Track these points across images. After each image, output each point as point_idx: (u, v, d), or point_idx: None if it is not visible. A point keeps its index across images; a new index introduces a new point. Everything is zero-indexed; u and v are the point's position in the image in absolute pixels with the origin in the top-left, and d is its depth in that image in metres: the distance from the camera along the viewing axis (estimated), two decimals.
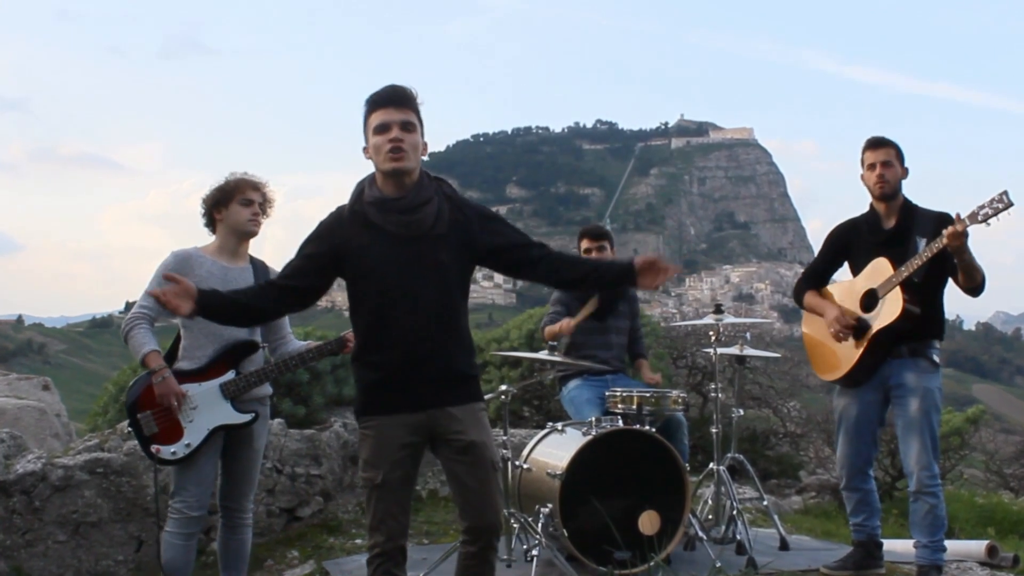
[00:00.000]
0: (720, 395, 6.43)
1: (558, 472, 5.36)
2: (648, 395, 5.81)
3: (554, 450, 5.68)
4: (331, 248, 3.71)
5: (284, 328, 4.98)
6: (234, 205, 4.74)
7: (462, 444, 3.69)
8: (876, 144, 5.27)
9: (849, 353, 5.26)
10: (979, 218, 4.73)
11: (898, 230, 5.21)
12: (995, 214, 4.68)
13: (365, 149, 3.76)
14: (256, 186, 4.80)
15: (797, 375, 12.33)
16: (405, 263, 3.66)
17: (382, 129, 3.65)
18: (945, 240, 4.79)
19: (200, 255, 4.73)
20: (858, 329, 5.20)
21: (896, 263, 5.08)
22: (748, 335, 6.80)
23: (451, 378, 3.73)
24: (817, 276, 5.58)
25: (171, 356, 4.72)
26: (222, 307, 3.74)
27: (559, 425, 5.95)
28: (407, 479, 3.72)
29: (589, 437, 5.42)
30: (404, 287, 3.65)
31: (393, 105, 3.68)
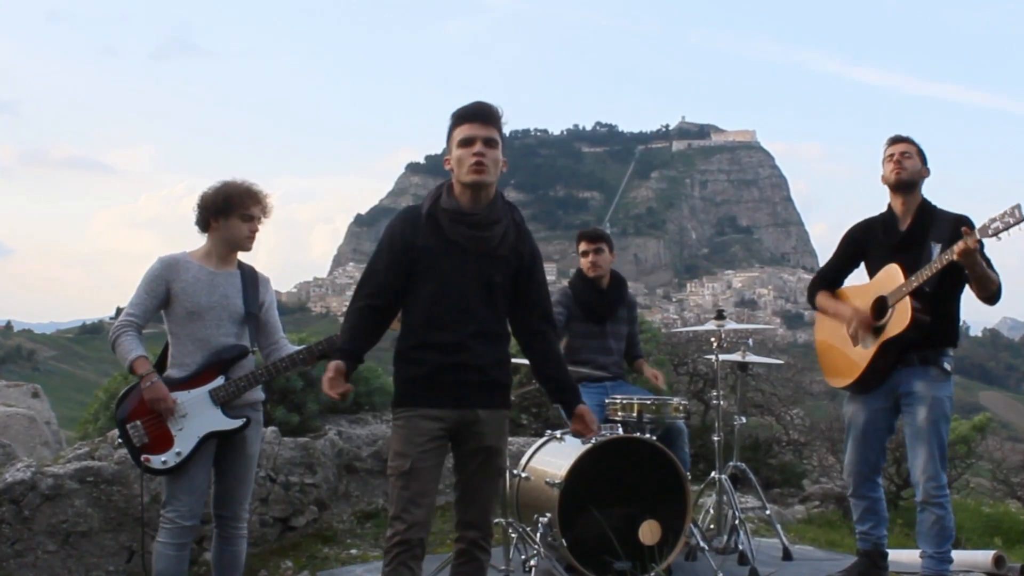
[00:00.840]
0: (722, 402, 6.44)
1: (557, 481, 5.36)
2: (649, 403, 5.83)
3: (553, 458, 5.68)
4: (404, 249, 3.97)
5: (276, 333, 4.95)
6: (234, 219, 4.71)
7: (480, 446, 3.97)
8: (896, 139, 5.30)
9: (859, 359, 5.26)
10: (990, 232, 4.68)
11: (912, 232, 5.20)
12: (1006, 228, 4.64)
13: (446, 160, 4.03)
14: (260, 200, 4.77)
15: (800, 382, 12.32)
16: (462, 275, 3.94)
17: (466, 143, 3.91)
18: (956, 256, 4.78)
19: (187, 260, 4.72)
20: (876, 330, 5.19)
21: (907, 269, 5.06)
22: (750, 341, 6.79)
23: (485, 383, 3.97)
24: (831, 277, 5.57)
25: (160, 365, 4.72)
26: (364, 351, 4.04)
27: (558, 433, 5.95)
28: (434, 471, 3.91)
29: (588, 445, 5.41)
30: (457, 297, 3.93)
31: (479, 121, 3.93)
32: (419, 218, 3.99)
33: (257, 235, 4.80)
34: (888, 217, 5.33)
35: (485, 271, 3.95)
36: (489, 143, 3.90)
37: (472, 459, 3.99)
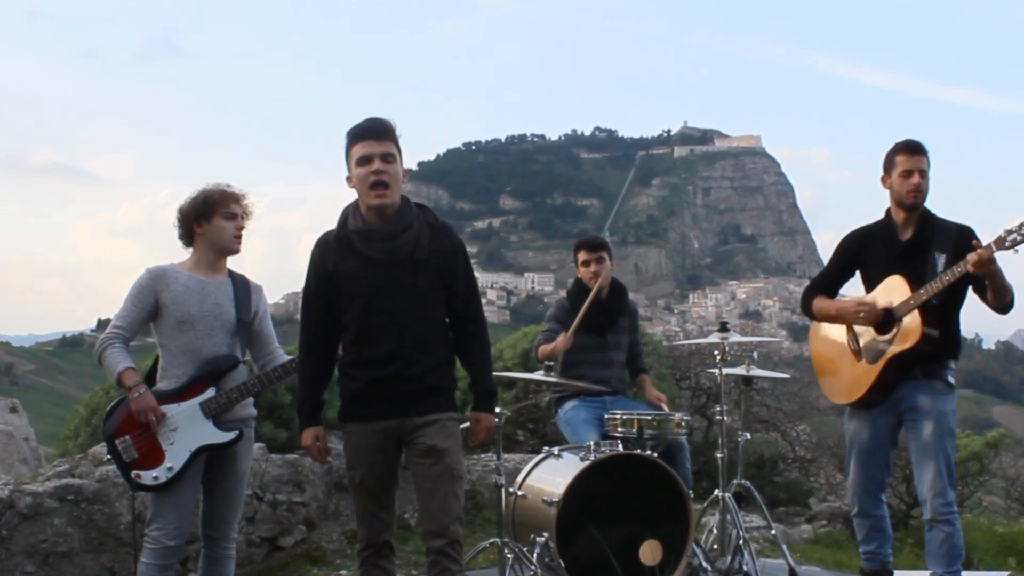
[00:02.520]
0: (726, 418, 6.43)
1: (554, 499, 5.36)
2: (650, 418, 5.83)
3: (550, 476, 5.69)
4: (325, 275, 4.24)
5: (271, 343, 4.97)
6: (217, 219, 4.74)
7: (423, 448, 4.16)
8: (914, 149, 5.20)
9: (865, 374, 5.26)
10: (1007, 244, 4.68)
11: (915, 243, 5.19)
12: (1023, 240, 4.66)
13: (348, 179, 4.22)
14: (239, 199, 4.81)
15: (807, 397, 12.31)
16: (385, 286, 4.16)
17: (364, 161, 4.12)
18: (971, 268, 4.78)
19: (176, 270, 4.75)
20: (884, 324, 5.18)
21: (912, 280, 5.07)
22: (755, 354, 6.82)
23: (420, 391, 4.19)
24: (826, 287, 5.52)
25: (150, 379, 4.73)
26: (320, 394, 4.39)
27: (555, 449, 5.95)
28: (385, 480, 4.25)
29: (587, 462, 5.42)
30: (383, 308, 4.16)
31: (373, 137, 4.15)
32: (331, 243, 4.25)
33: (243, 236, 4.81)
34: (887, 226, 5.31)
35: (407, 278, 4.17)
36: (387, 158, 4.11)
37: (419, 461, 4.17)
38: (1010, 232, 4.67)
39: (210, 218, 4.74)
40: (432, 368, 4.21)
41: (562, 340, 6.10)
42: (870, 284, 5.33)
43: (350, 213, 4.25)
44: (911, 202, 5.18)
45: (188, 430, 4.60)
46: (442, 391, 4.26)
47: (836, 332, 5.49)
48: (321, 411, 4.34)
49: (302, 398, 4.33)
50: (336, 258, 4.21)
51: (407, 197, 4.26)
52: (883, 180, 5.29)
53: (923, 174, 5.17)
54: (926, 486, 5.08)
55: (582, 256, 6.57)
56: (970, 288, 5.13)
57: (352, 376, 4.24)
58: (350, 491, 4.35)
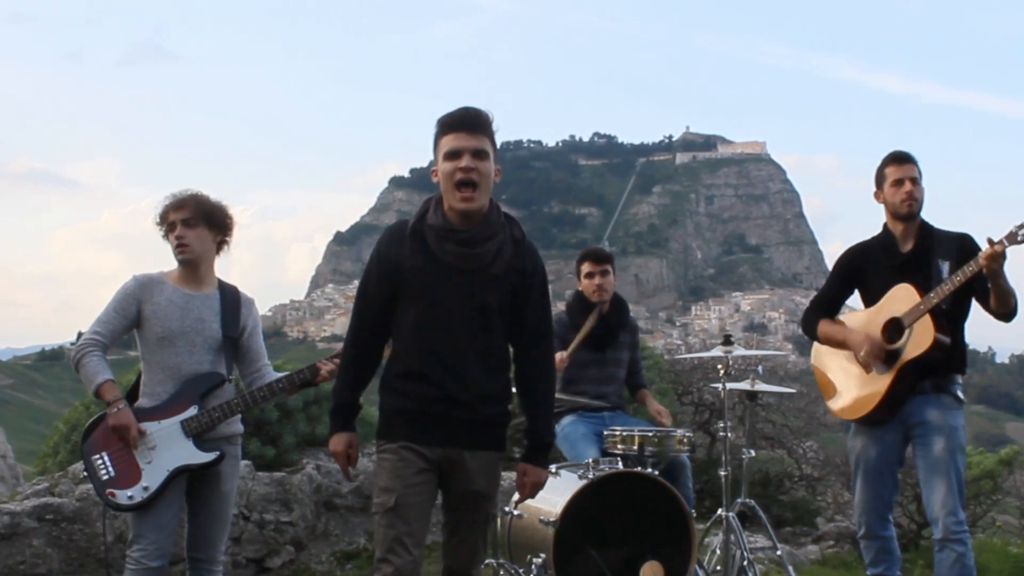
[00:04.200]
0: (729, 434, 6.43)
1: (552, 519, 5.36)
2: (650, 435, 5.83)
3: (547, 495, 5.65)
4: (390, 268, 3.93)
5: (260, 359, 4.96)
6: (170, 235, 4.77)
7: (468, 491, 3.92)
8: (903, 159, 5.27)
9: (875, 387, 5.26)
10: (1019, 239, 4.73)
11: (917, 253, 5.23)
12: None
13: (433, 171, 3.94)
14: (179, 205, 4.76)
15: (814, 412, 12.30)
16: (452, 297, 3.86)
17: (453, 155, 3.82)
18: (982, 262, 4.80)
19: (163, 281, 4.76)
20: (889, 355, 5.20)
21: (920, 288, 5.10)
22: (760, 368, 6.81)
23: (476, 422, 3.91)
24: (827, 304, 5.56)
25: (133, 394, 4.73)
26: (358, 396, 4.06)
27: (552, 467, 5.94)
28: (423, 507, 3.87)
29: (586, 481, 5.42)
30: (446, 322, 3.87)
31: (466, 129, 3.84)
32: (405, 234, 3.93)
33: (189, 240, 4.72)
34: (886, 239, 5.35)
35: (477, 293, 3.87)
36: (478, 155, 3.82)
37: (459, 503, 3.95)
38: (1021, 227, 4.74)
39: (167, 235, 4.79)
40: (489, 396, 3.92)
41: (558, 360, 6.09)
42: (870, 299, 5.36)
43: (432, 207, 3.94)
44: (906, 211, 5.23)
45: (167, 449, 4.59)
46: (497, 426, 4.00)
47: None
48: (357, 416, 4.02)
49: (339, 400, 4.00)
50: (406, 251, 3.89)
51: (497, 203, 3.97)
52: (876, 196, 5.37)
53: (915, 182, 5.23)
54: (937, 504, 5.08)
55: (586, 268, 6.53)
56: (973, 299, 5.16)
57: (400, 390, 3.92)
58: (377, 520, 3.87)
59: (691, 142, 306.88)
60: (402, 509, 3.79)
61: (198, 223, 4.75)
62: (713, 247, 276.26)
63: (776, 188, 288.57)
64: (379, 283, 3.95)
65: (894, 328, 5.17)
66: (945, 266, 5.10)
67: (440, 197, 3.93)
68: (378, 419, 4.00)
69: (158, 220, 4.79)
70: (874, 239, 5.43)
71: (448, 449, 3.87)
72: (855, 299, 5.54)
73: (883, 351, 5.20)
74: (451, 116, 3.88)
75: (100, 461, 4.57)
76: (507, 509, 5.84)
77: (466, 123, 3.85)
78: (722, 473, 6.31)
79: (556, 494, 5.54)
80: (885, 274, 5.29)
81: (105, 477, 4.55)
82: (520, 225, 4.07)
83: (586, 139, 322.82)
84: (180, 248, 4.72)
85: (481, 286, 3.88)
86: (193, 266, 4.79)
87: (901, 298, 5.17)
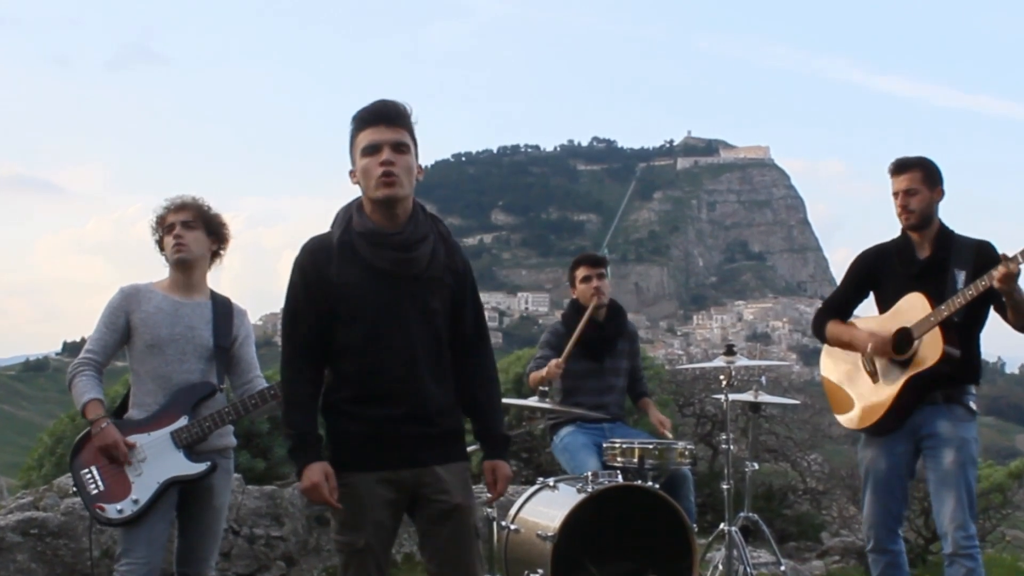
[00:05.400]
0: (732, 447, 6.44)
1: (550, 534, 5.36)
2: (651, 447, 5.83)
3: (545, 509, 5.69)
4: (323, 286, 3.71)
5: (251, 370, 4.96)
6: (167, 237, 4.78)
7: (446, 508, 3.75)
8: (899, 168, 5.26)
9: (881, 397, 5.27)
10: None
11: (933, 261, 5.21)
12: None
13: (352, 172, 3.78)
14: (179, 207, 4.80)
15: (819, 424, 12.28)
16: (397, 308, 3.70)
17: (371, 150, 3.67)
18: (996, 282, 4.81)
19: (150, 290, 4.77)
20: (901, 365, 5.19)
21: (932, 298, 5.09)
22: (763, 379, 6.82)
23: (441, 435, 3.78)
24: (839, 308, 5.56)
25: (123, 406, 4.73)
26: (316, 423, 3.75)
27: (551, 481, 5.95)
28: (389, 542, 3.78)
29: (585, 494, 5.43)
30: (393, 333, 3.70)
31: (384, 123, 3.69)
32: (331, 247, 3.73)
33: (187, 241, 4.75)
34: (903, 244, 5.34)
35: (420, 299, 3.74)
36: (399, 148, 3.67)
37: (441, 525, 3.76)
38: None
39: (163, 238, 4.80)
40: (447, 407, 3.80)
41: (553, 366, 6.10)
42: (884, 305, 5.34)
43: (353, 213, 3.74)
44: (904, 224, 5.25)
45: (157, 461, 4.59)
46: (459, 435, 3.87)
47: (851, 352, 5.50)
48: (321, 445, 3.71)
49: (300, 430, 3.67)
50: (335, 267, 3.68)
51: (419, 202, 3.80)
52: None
53: (909, 193, 5.20)
54: (947, 518, 5.07)
55: (582, 272, 6.54)
56: (992, 308, 5.16)
57: (352, 415, 3.70)
58: (341, 558, 3.71)
59: (693, 147, 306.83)
60: (372, 549, 3.67)
61: (198, 227, 4.79)
62: (715, 254, 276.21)
63: (780, 194, 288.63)
64: (308, 307, 3.73)
65: (904, 338, 5.18)
66: (961, 275, 5.08)
67: (360, 202, 3.78)
68: (330, 448, 3.76)
69: (155, 223, 4.81)
70: (892, 242, 5.41)
71: (419, 469, 3.72)
72: (866, 305, 5.54)
73: (889, 347, 5.18)
74: (366, 110, 3.73)
75: (89, 475, 4.57)
76: (504, 523, 5.85)
77: (383, 116, 3.70)
78: (724, 486, 6.32)
79: (554, 508, 5.55)
80: (900, 281, 5.27)
81: (94, 491, 4.55)
82: (443, 221, 3.95)
83: (585, 144, 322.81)
84: (177, 247, 4.74)
85: (423, 291, 3.75)
86: (187, 271, 4.80)
87: (912, 308, 5.16)
